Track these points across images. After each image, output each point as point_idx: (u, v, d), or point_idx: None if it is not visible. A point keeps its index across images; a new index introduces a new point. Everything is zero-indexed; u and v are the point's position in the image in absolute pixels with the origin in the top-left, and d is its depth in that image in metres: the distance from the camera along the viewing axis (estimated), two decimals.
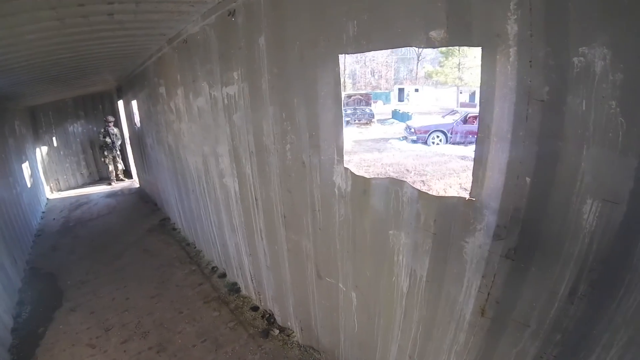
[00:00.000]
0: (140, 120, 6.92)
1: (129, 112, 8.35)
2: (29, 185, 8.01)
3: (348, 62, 34.16)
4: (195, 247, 5.22)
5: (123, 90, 8.62)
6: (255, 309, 3.76)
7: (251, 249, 3.49)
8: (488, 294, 1.53)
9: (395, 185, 1.81)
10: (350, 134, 15.71)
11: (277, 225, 2.88)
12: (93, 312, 4.26)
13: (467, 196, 1.54)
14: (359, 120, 18.53)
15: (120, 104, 9.81)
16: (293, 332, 3.28)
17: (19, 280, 5.28)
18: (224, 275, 4.43)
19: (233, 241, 3.80)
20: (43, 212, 8.99)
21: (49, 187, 10.82)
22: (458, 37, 1.38)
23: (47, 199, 10.31)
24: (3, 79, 4.07)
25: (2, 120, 6.56)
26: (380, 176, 4.16)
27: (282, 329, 3.38)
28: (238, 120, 2.92)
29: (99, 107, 11.07)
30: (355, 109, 18.73)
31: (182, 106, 3.93)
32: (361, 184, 1.97)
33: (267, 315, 3.59)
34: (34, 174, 8.89)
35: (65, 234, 7.27)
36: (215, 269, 4.61)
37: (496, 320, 1.54)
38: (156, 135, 5.56)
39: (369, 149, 12.99)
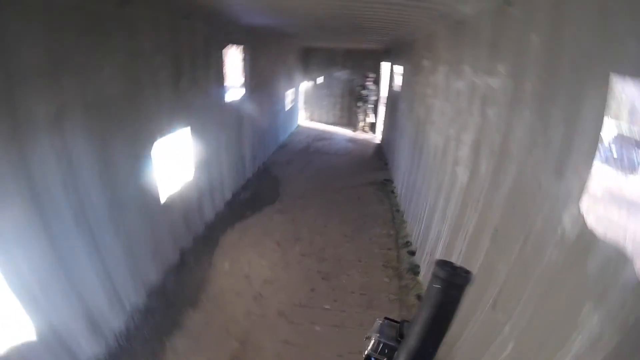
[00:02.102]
0: (400, 86, 7.47)
1: (391, 74, 9.12)
2: (287, 108, 10.43)
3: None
4: (403, 216, 5.54)
5: (390, 53, 9.40)
6: (420, 298, 3.81)
7: (449, 245, 3.45)
8: None
9: None
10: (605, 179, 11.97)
11: (484, 234, 2.73)
12: (294, 220, 5.36)
13: None
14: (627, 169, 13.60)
15: (385, 64, 10.78)
16: None
17: (251, 172, 7.17)
18: (412, 253, 4.59)
19: (437, 228, 3.84)
20: (292, 132, 11.54)
21: (304, 115, 13.53)
22: None
23: (299, 124, 12.97)
24: (283, 19, 5.10)
25: (278, 51, 8.58)
26: None
27: None
28: (492, 115, 2.77)
29: (363, 63, 12.51)
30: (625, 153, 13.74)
31: (441, 84, 4.02)
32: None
33: None
34: (294, 101, 11.49)
35: (302, 155, 9.13)
36: (409, 243, 4.81)
37: None
38: (409, 104, 5.94)
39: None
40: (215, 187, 5.09)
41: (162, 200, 3.72)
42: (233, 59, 6.56)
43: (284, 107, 9.84)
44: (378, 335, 0.65)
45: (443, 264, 0.61)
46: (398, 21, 4.57)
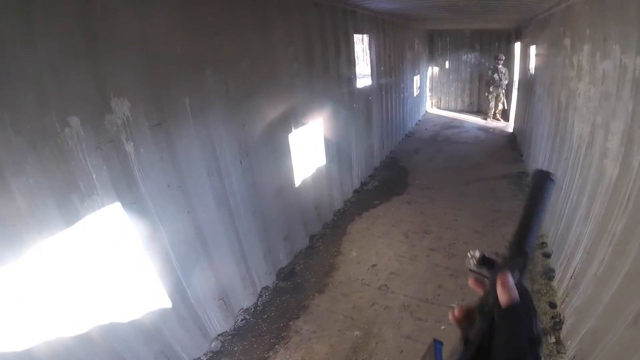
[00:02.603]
0: (535, 68, 6.67)
1: (524, 55, 8.14)
2: (414, 94, 10.21)
3: None
4: None
5: (522, 32, 8.40)
6: (552, 305, 3.47)
7: (591, 250, 3.06)
8: None
9: None
10: None
11: (633, 239, 2.38)
12: (423, 212, 5.30)
13: None
14: None
15: (517, 45, 9.66)
16: (566, 353, 2.91)
17: (379, 161, 7.33)
18: (547, 256, 4.18)
19: (578, 230, 3.42)
20: (419, 120, 11.26)
21: (430, 102, 13.06)
22: None
23: (426, 111, 12.61)
24: (406, 2, 5.14)
25: (403, 36, 8.43)
26: None
27: (558, 342, 3.04)
28: None
29: (494, 44, 11.55)
30: None
31: (586, 65, 3.52)
32: None
33: (557, 320, 3.26)
34: (421, 87, 11.18)
35: (430, 144, 8.88)
36: (544, 245, 4.38)
37: None
38: (548, 88, 5.30)
39: None
40: (344, 175, 5.54)
41: (296, 184, 4.21)
42: (361, 46, 6.86)
43: (411, 93, 9.78)
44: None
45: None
46: None
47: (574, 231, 3.54)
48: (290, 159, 4.05)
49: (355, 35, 5.61)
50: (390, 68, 7.45)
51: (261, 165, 3.58)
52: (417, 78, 10.32)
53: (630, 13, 2.53)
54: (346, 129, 5.41)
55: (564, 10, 4.25)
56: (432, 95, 13.12)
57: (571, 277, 3.36)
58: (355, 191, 6.01)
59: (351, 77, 5.50)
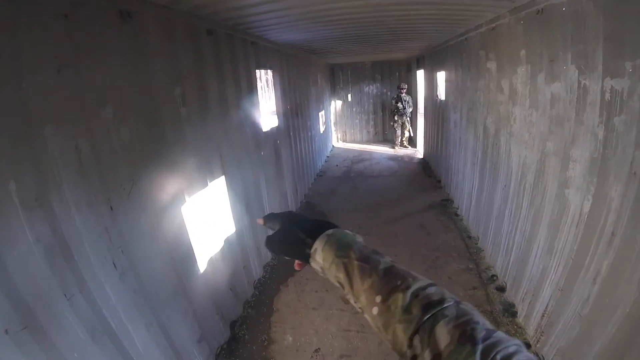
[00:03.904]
0: (445, 94, 6.89)
1: (430, 82, 8.55)
2: (321, 131, 10.00)
3: None
4: (477, 244, 4.89)
5: (426, 60, 8.88)
6: (526, 345, 3.11)
7: (566, 286, 2.81)
8: None
9: None
10: None
11: (626, 279, 2.16)
12: None
13: None
14: None
15: (419, 73, 10.24)
16: None
17: (295, 209, 6.54)
18: (502, 290, 3.94)
19: (541, 264, 3.20)
20: (327, 157, 11.02)
21: (336, 137, 13.19)
22: None
23: (333, 146, 12.59)
24: (317, 30, 4.68)
25: (307, 71, 8.14)
26: None
27: None
28: (621, 126, 2.20)
29: (394, 74, 12.21)
30: None
31: (522, 88, 3.44)
32: None
33: None
34: (326, 122, 11.04)
35: (344, 182, 8.50)
36: (495, 277, 4.16)
37: None
38: (467, 113, 5.35)
39: None
40: (260, 236, 4.57)
41: (201, 269, 3.19)
42: (263, 83, 6.25)
43: (318, 130, 9.44)
44: None
45: None
46: (451, 17, 4.13)
47: (534, 264, 3.33)
48: (188, 239, 3.00)
49: (257, 70, 4.93)
50: (297, 106, 6.97)
51: (147, 261, 2.47)
52: (322, 114, 10.17)
53: (588, 32, 2.39)
54: (255, 180, 4.57)
55: (485, 33, 4.27)
56: (337, 129, 13.25)
57: (543, 315, 3.10)
58: None
59: (256, 120, 4.70)
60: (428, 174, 8.43)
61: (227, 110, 3.82)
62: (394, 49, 7.66)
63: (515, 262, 3.74)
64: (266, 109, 6.02)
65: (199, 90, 3.29)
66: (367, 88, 12.60)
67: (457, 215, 5.89)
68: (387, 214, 6.27)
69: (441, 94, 7.27)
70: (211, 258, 3.38)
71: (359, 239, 0.77)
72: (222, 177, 3.64)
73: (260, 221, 0.90)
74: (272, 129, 5.41)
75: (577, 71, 2.54)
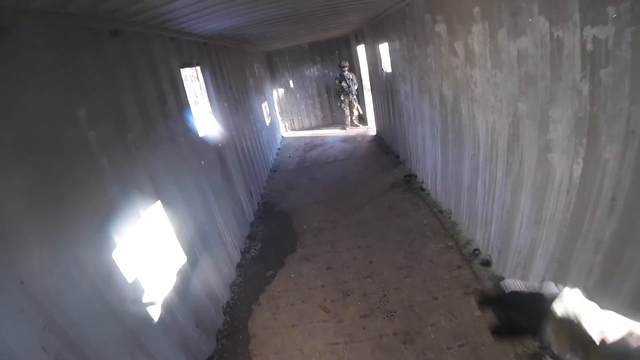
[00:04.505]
0: (391, 65, 6.59)
1: (372, 56, 8.22)
2: (267, 123, 9.39)
3: None
4: (450, 218, 4.69)
5: (365, 34, 8.55)
6: None
7: (562, 257, 2.61)
8: None
9: None
10: None
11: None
12: (330, 267, 4.27)
13: None
14: None
15: (360, 48, 9.91)
16: None
17: (252, 213, 6.02)
18: (487, 264, 3.75)
19: (529, 235, 2.99)
20: (278, 149, 10.48)
21: (284, 126, 12.66)
22: None
23: (282, 137, 12.06)
24: (240, 17, 4.27)
25: (242, 62, 7.55)
26: None
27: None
28: (608, 78, 1.95)
29: (334, 53, 11.91)
30: None
31: (480, 48, 3.15)
32: None
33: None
34: (271, 113, 10.42)
35: (300, 173, 8.03)
36: (477, 252, 3.96)
37: None
38: (418, 82, 5.06)
39: None
40: (218, 256, 4.01)
41: (155, 318, 2.65)
42: (192, 83, 5.56)
43: (264, 123, 8.83)
44: None
45: None
46: None
47: (521, 235, 3.13)
48: (131, 290, 2.42)
49: (183, 70, 4.23)
50: (235, 101, 6.32)
51: (86, 334, 1.90)
52: (265, 105, 9.54)
53: None
54: (200, 194, 3.94)
55: None
56: (284, 118, 12.72)
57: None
58: (239, 266, 4.57)
59: (188, 126, 4.05)
60: (385, 151, 8.20)
61: (151, 123, 3.18)
62: (330, 25, 7.20)
63: (498, 234, 3.54)
64: (200, 111, 5.36)
65: (110, 106, 2.64)
66: (308, 71, 12.13)
67: (423, 190, 5.68)
68: (351, 200, 5.93)
69: (386, 66, 6.97)
70: (165, 300, 2.83)
71: None
72: (158, 202, 3.03)
73: None
74: (210, 132, 4.79)
75: (547, 22, 2.26)
